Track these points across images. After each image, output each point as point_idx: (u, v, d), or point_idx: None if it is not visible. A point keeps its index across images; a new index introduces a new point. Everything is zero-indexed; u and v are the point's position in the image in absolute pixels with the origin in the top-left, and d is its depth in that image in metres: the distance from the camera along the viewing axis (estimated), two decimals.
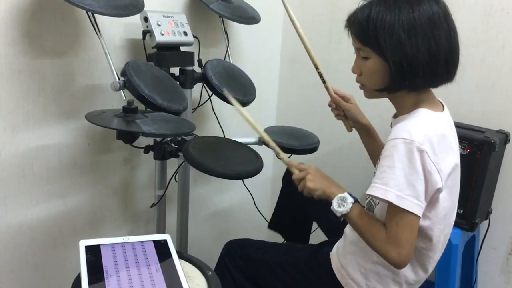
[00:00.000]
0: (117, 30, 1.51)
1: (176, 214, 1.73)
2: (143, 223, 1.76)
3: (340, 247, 1.27)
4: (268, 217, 2.17)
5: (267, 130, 1.70)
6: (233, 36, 1.90)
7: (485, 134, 1.56)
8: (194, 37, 1.60)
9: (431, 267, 1.21)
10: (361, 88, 1.19)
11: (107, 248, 0.91)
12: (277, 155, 1.32)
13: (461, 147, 1.57)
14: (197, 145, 1.36)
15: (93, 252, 0.89)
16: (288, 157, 1.70)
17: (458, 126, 1.64)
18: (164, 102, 1.27)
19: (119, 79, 1.30)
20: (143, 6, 1.33)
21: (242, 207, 2.15)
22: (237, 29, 1.93)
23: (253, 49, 2.06)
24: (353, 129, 1.46)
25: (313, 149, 1.65)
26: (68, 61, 1.40)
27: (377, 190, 1.03)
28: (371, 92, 1.16)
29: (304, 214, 1.58)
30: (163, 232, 1.61)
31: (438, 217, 1.10)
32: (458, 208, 1.58)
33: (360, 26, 1.09)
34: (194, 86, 1.61)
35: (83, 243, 0.91)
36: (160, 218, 1.58)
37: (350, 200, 1.11)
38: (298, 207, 1.58)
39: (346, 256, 1.24)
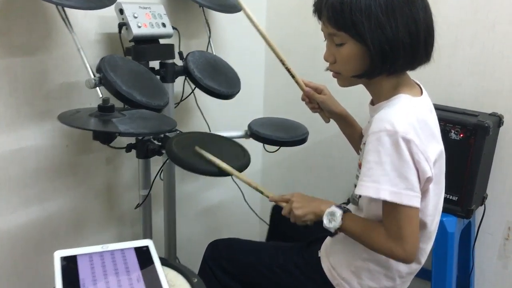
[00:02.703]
0: (92, 24, 1.43)
1: (163, 213, 1.67)
2: (130, 224, 1.70)
3: (327, 245, 1.22)
4: (259, 211, 2.12)
5: (254, 123, 1.64)
6: (215, 26, 1.83)
7: (478, 118, 1.52)
8: (174, 28, 1.53)
9: (424, 258, 1.16)
10: (335, 76, 1.13)
11: (84, 259, 0.85)
12: (262, 193, 1.25)
13: (454, 132, 1.53)
14: (180, 142, 1.30)
15: (70, 264, 0.83)
16: (277, 150, 1.66)
17: (450, 110, 1.62)
18: (143, 98, 1.20)
19: (94, 75, 1.23)
20: None
21: (232, 202, 2.09)
22: (219, 18, 1.86)
23: (236, 38, 1.99)
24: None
25: (302, 141, 1.59)
26: (40, 59, 1.32)
27: (368, 189, 0.97)
28: (348, 80, 1.10)
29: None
30: (150, 234, 1.56)
31: (428, 208, 1.05)
32: (453, 195, 1.55)
33: (333, 10, 1.01)
34: (176, 80, 1.54)
35: (59, 254, 0.85)
36: (146, 219, 1.52)
37: (339, 213, 1.06)
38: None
39: (335, 255, 1.19)
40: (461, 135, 1.52)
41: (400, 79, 1.07)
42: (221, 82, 1.56)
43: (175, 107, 1.61)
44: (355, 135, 1.39)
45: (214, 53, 1.69)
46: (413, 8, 0.98)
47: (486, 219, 1.74)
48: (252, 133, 1.59)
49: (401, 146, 0.94)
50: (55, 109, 1.37)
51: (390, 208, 0.97)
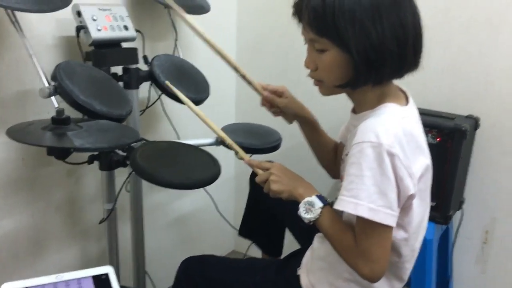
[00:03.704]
0: (48, 27, 1.33)
1: (130, 226, 1.58)
2: (95, 239, 1.60)
3: (308, 262, 1.15)
4: (233, 220, 2.05)
5: (225, 129, 1.57)
6: (182, 28, 1.74)
7: (455, 122, 1.48)
8: (137, 31, 1.44)
9: (407, 275, 1.10)
10: (316, 84, 1.04)
11: None
12: (236, 154, 1.19)
13: (431, 136, 1.49)
14: (146, 153, 1.22)
15: None
16: (250, 157, 1.59)
17: (426, 113, 1.57)
18: (103, 108, 1.11)
19: (49, 84, 1.13)
20: None
21: (205, 211, 2.01)
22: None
23: (205, 46, 1.91)
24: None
25: (275, 147, 1.53)
26: None
27: (347, 204, 0.91)
28: (330, 89, 1.02)
29: (275, 219, 1.45)
30: (116, 249, 1.46)
31: (411, 225, 0.99)
32: (431, 201, 1.51)
33: (314, 14, 0.92)
34: (141, 86, 1.46)
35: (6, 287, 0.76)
36: (111, 235, 1.43)
37: (318, 205, 0.98)
38: (268, 212, 1.45)
39: (315, 273, 1.11)
40: (438, 139, 1.48)
41: (385, 88, 1.00)
42: (189, 87, 1.48)
43: (141, 115, 1.52)
44: (320, 141, 1.32)
45: (181, 57, 1.61)
46: (400, 13, 0.91)
47: (464, 223, 1.71)
48: (224, 140, 1.51)
49: (385, 160, 0.87)
50: (9, 120, 1.27)
51: (364, 224, 0.90)
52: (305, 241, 1.22)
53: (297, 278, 1.14)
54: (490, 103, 1.61)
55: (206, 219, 2.09)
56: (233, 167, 2.22)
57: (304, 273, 1.13)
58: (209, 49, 1.94)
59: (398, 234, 0.99)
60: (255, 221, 1.55)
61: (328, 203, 1.00)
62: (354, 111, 1.08)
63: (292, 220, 1.24)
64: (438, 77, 1.68)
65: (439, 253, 1.65)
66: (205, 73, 1.61)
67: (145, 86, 1.50)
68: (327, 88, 1.02)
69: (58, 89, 1.10)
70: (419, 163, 0.95)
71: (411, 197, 0.93)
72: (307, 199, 1.00)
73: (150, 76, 1.44)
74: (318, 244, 1.12)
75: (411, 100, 1.04)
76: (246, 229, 1.58)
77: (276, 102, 1.28)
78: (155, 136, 1.73)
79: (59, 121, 1.00)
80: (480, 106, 1.62)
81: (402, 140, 0.90)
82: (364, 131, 0.91)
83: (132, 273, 1.61)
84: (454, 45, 1.65)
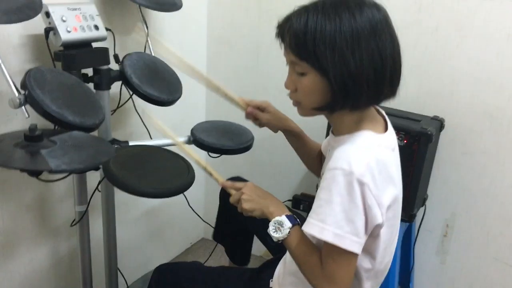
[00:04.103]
0: (14, 26, 1.27)
1: (102, 223, 1.57)
2: (65, 237, 1.59)
3: (280, 275, 1.18)
4: (202, 210, 2.07)
5: (197, 128, 1.57)
6: (153, 25, 1.71)
7: (421, 125, 1.53)
8: (108, 29, 1.41)
9: None
10: (295, 105, 1.06)
11: None
12: (210, 176, 1.21)
13: (399, 138, 1.53)
14: (119, 160, 1.21)
15: None
16: (218, 156, 1.60)
17: (394, 114, 1.61)
18: (76, 118, 1.09)
19: (18, 92, 1.10)
20: (40, 6, 1.13)
21: (175, 203, 2.02)
22: (156, 16, 1.74)
23: (176, 37, 1.89)
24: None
25: (247, 148, 1.55)
26: None
27: (313, 227, 0.93)
28: (308, 111, 1.04)
29: (245, 230, 1.49)
30: (88, 247, 1.46)
31: (377, 250, 1.02)
32: None
33: (295, 39, 0.94)
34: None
35: None
36: (83, 236, 1.43)
37: (287, 225, 1.01)
38: (238, 223, 1.49)
39: (287, 287, 1.15)
40: (405, 141, 1.53)
41: (363, 113, 1.02)
42: (161, 87, 1.47)
43: (112, 114, 1.50)
44: (305, 150, 1.35)
45: (153, 54, 1.58)
46: (379, 43, 0.92)
47: (426, 217, 1.79)
48: (196, 140, 1.52)
49: (355, 188, 0.90)
50: None
51: (331, 248, 0.93)
52: (277, 252, 1.25)
53: None
54: (455, 104, 1.66)
55: (175, 211, 2.11)
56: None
57: (276, 286, 1.17)
58: (179, 46, 1.93)
59: (365, 263, 1.03)
60: (225, 230, 1.60)
61: (297, 223, 1.03)
62: (334, 132, 1.10)
63: (261, 231, 1.27)
64: (406, 77, 1.71)
65: (402, 246, 1.73)
66: (176, 70, 1.59)
67: (116, 84, 1.48)
68: (305, 109, 1.04)
69: (29, 99, 1.07)
70: (388, 193, 0.97)
71: (379, 226, 0.96)
72: (276, 218, 1.03)
73: (122, 76, 1.42)
74: (290, 258, 1.15)
75: (389, 126, 1.07)
76: (218, 235, 1.63)
77: (259, 117, 1.31)
78: (127, 135, 1.71)
79: (32, 138, 0.98)
80: (444, 107, 1.68)
81: (373, 170, 0.92)
82: (338, 158, 0.93)
83: (103, 270, 1.62)
84: (421, 46, 1.68)
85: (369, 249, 1.01)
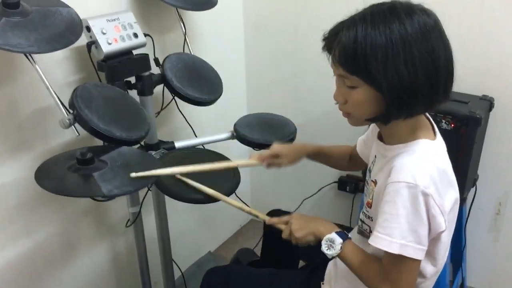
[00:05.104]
0: None
1: (154, 218, 1.64)
2: (121, 234, 1.68)
3: (332, 278, 1.20)
4: (249, 199, 2.10)
5: (239, 123, 1.58)
6: (190, 24, 1.71)
7: (469, 108, 1.48)
8: (146, 35, 1.42)
9: None
10: (345, 116, 1.03)
11: None
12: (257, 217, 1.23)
13: (445, 122, 1.49)
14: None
15: None
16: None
17: None
18: (123, 133, 1.14)
19: (67, 111, 1.15)
20: (81, 28, 1.15)
21: None
22: (191, 15, 1.74)
23: (213, 35, 1.88)
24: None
25: (290, 141, 1.55)
26: (6, 90, 1.23)
27: (381, 241, 0.94)
28: (360, 121, 1.01)
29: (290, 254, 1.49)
30: (144, 248, 1.53)
31: (439, 252, 1.02)
32: None
33: (345, 54, 0.90)
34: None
35: None
36: (138, 235, 1.50)
37: (338, 241, 1.03)
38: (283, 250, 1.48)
39: None
40: (452, 125, 1.48)
41: (417, 120, 1.00)
42: (202, 87, 1.48)
43: (156, 117, 1.54)
44: (332, 161, 1.40)
45: (192, 53, 1.59)
46: (432, 51, 0.88)
47: (477, 197, 1.75)
48: (239, 136, 1.53)
49: (419, 200, 0.90)
50: (29, 140, 1.31)
51: (394, 257, 0.94)
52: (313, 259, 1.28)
53: None
54: (505, 82, 1.59)
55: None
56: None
57: (328, 286, 1.19)
58: (217, 43, 1.92)
59: (429, 267, 1.03)
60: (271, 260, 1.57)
61: (348, 238, 1.05)
62: (381, 138, 1.07)
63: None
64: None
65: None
66: (215, 66, 1.60)
67: (159, 86, 1.51)
68: (356, 120, 1.02)
69: (77, 118, 1.12)
70: (449, 197, 0.97)
71: (442, 232, 0.96)
72: (327, 236, 1.04)
73: (163, 80, 1.45)
74: (342, 264, 1.17)
75: (437, 132, 1.04)
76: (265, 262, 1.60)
77: (279, 164, 1.32)
78: (172, 135, 1.76)
79: (84, 162, 1.02)
80: (494, 86, 1.61)
81: (436, 180, 0.92)
82: (400, 171, 0.92)
83: (159, 261, 1.70)
84: (467, 21, 1.60)
85: (431, 253, 1.01)
